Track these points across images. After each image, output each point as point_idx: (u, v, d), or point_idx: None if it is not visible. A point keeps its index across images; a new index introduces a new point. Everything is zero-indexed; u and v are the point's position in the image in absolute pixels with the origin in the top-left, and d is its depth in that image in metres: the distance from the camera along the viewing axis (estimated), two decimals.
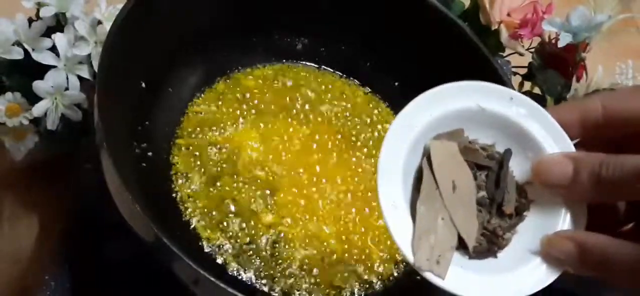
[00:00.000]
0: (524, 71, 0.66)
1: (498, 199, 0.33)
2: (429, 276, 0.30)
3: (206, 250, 0.49)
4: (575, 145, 0.33)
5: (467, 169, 0.33)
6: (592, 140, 0.33)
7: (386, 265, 0.52)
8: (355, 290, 0.50)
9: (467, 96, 0.34)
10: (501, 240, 0.32)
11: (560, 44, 0.59)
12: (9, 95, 0.50)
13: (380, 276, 0.51)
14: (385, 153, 0.33)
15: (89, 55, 0.52)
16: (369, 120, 0.60)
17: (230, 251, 0.49)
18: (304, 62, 0.62)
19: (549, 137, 0.33)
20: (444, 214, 0.32)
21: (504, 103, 0.34)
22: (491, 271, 0.32)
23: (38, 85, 0.50)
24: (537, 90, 0.63)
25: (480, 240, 0.32)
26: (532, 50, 0.64)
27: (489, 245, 0.32)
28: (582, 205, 0.32)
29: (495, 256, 0.32)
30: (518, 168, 0.34)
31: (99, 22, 0.52)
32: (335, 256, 0.51)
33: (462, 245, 0.32)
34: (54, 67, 0.50)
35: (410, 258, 0.31)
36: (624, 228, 0.34)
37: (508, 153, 0.34)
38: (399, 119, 0.33)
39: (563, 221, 0.32)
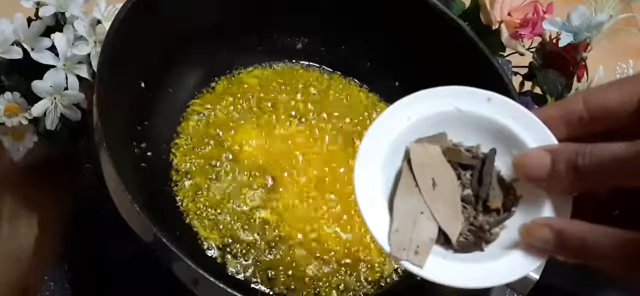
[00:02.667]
0: (524, 71, 0.66)
1: (482, 195, 0.33)
2: (407, 265, 0.31)
3: (206, 250, 0.49)
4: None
5: (450, 168, 0.33)
6: (579, 137, 0.32)
7: (386, 265, 0.51)
8: (355, 290, 0.50)
9: (445, 100, 0.35)
10: (488, 234, 0.32)
11: (561, 44, 0.59)
12: (8, 95, 0.50)
13: (380, 276, 0.51)
14: (363, 153, 0.33)
15: (89, 55, 0.52)
16: (369, 120, 0.60)
17: (230, 251, 0.49)
18: (304, 62, 0.62)
19: (531, 133, 0.33)
20: (423, 209, 0.32)
21: (483, 105, 0.34)
22: (474, 261, 0.32)
23: (37, 85, 0.50)
24: (537, 90, 0.63)
25: (466, 235, 0.32)
26: (533, 50, 0.64)
27: (476, 239, 0.32)
28: (568, 198, 0.32)
29: (482, 250, 0.32)
30: (505, 166, 0.34)
31: (99, 22, 0.52)
32: (335, 256, 0.51)
33: (446, 240, 0.32)
34: (53, 66, 0.50)
35: (387, 247, 0.31)
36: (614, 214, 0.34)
37: (492, 152, 0.34)
38: (377, 122, 0.34)
39: (549, 214, 0.32)
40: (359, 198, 0.32)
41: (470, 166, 0.34)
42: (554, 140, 0.33)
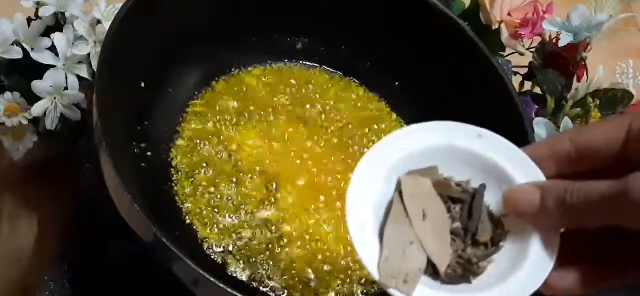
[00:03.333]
0: (524, 71, 0.66)
1: (472, 229, 0.33)
2: (395, 293, 0.31)
3: (206, 250, 0.49)
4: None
5: (440, 201, 0.34)
6: (567, 175, 0.33)
7: None
8: (355, 290, 0.50)
9: (437, 134, 0.35)
10: (476, 267, 0.33)
11: (561, 44, 0.59)
12: (8, 94, 0.50)
13: None
14: (355, 182, 0.34)
15: (88, 55, 0.52)
16: (368, 121, 0.60)
17: (230, 251, 0.49)
18: (304, 62, 0.62)
19: (521, 169, 0.34)
20: (413, 239, 0.32)
21: (474, 141, 0.35)
22: (461, 293, 0.32)
23: (37, 85, 0.50)
24: (537, 90, 0.63)
25: (454, 267, 0.33)
26: (533, 49, 0.64)
27: (464, 272, 0.33)
28: (556, 234, 0.32)
29: (470, 283, 0.33)
30: (494, 201, 0.34)
31: (98, 22, 0.52)
32: (335, 255, 0.51)
33: (434, 271, 0.32)
34: (53, 66, 0.50)
35: (376, 275, 0.31)
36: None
37: (482, 187, 0.34)
38: (371, 152, 0.34)
39: (537, 249, 0.32)
40: (351, 226, 0.32)
41: (460, 200, 0.34)
42: (542, 177, 0.33)
